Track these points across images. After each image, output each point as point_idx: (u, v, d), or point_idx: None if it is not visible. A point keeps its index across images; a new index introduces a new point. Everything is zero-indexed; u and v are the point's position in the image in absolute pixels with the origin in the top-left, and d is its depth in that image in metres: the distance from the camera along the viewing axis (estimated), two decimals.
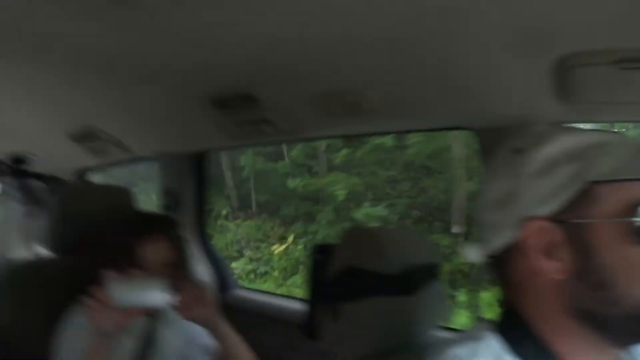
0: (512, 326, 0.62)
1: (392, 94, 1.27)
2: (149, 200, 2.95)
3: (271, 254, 7.02)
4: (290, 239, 6.95)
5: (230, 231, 7.71)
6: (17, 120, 2.19)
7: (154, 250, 1.41)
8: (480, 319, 0.69)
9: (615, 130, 3.08)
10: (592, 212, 0.56)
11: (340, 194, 6.12)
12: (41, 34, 1.34)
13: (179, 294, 1.36)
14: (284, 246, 6.88)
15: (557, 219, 0.57)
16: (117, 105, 1.91)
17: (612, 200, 0.56)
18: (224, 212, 7.78)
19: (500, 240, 0.61)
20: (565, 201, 0.57)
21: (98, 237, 1.48)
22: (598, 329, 0.57)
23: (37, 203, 2.90)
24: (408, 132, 1.55)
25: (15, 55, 1.53)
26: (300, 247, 6.77)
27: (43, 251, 2.87)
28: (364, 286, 0.89)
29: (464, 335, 0.65)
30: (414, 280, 0.91)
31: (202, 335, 1.53)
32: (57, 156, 2.41)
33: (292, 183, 7.15)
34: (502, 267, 0.63)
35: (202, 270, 2.15)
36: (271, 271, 6.81)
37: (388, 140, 6.00)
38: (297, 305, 1.98)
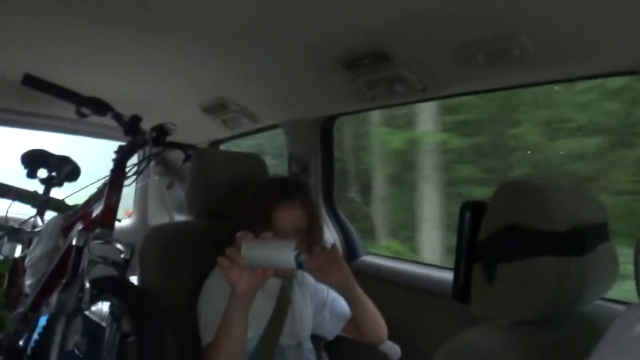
0: None
1: (550, 37, 1.12)
2: (277, 167, 3.01)
3: None
4: None
5: None
6: (155, 96, 2.35)
7: (288, 215, 1.42)
8: None
9: None
10: None
11: None
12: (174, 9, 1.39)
13: (314, 258, 1.37)
14: None
15: None
16: (247, 75, 1.94)
17: None
18: None
19: None
20: None
21: (235, 202, 1.53)
22: None
23: (175, 174, 3.11)
24: (568, 80, 1.36)
25: (152, 32, 1.60)
26: None
27: (181, 219, 3.09)
28: (525, 245, 0.80)
29: None
30: (584, 239, 0.80)
31: (335, 299, 1.54)
32: (192, 128, 2.55)
33: None
34: None
35: (330, 237, 2.16)
36: None
37: None
38: (426, 271, 1.92)
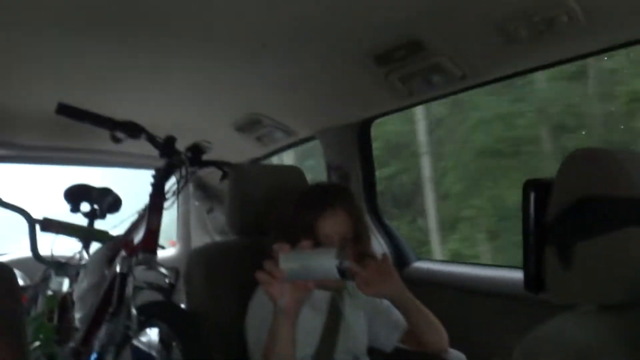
0: None
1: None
2: (315, 179, 2.98)
3: None
4: None
5: None
6: (187, 117, 2.35)
7: (332, 224, 1.35)
8: None
9: None
10: None
11: None
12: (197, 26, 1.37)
13: (363, 269, 1.29)
14: None
15: None
16: (277, 86, 1.92)
17: None
18: None
19: None
20: None
21: (277, 215, 1.48)
22: None
23: (215, 198, 3.11)
24: (624, 46, 1.24)
25: (179, 53, 1.60)
26: None
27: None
28: (603, 218, 0.70)
29: None
30: None
31: (389, 309, 1.45)
32: (226, 149, 2.54)
33: None
34: None
35: (378, 245, 2.08)
36: None
37: None
38: (483, 271, 1.82)
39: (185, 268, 1.51)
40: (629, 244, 0.68)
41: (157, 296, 1.55)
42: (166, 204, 1.68)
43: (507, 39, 1.21)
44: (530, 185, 0.85)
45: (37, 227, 2.02)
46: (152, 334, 1.82)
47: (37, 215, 2.06)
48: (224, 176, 1.88)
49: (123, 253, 1.71)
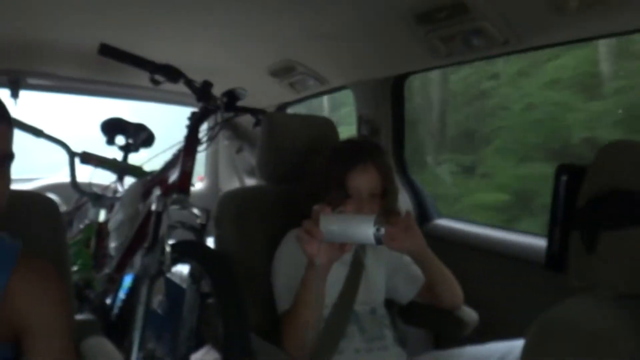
0: None
1: None
2: (346, 129, 2.98)
3: None
4: None
5: None
6: (224, 61, 2.35)
7: (363, 179, 1.38)
8: None
9: None
10: None
11: None
12: None
13: (388, 225, 1.33)
14: None
15: None
16: (314, 35, 1.89)
17: None
18: None
19: None
20: None
21: (307, 166, 1.51)
22: None
23: (244, 139, 3.15)
24: None
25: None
26: None
27: (251, 183, 3.15)
28: (634, 211, 0.72)
29: None
30: None
31: (409, 263, 1.50)
32: (259, 92, 2.55)
33: None
34: None
35: (403, 200, 2.11)
36: None
37: None
38: (503, 234, 1.85)
39: (215, 211, 1.56)
40: None
41: (188, 235, 1.62)
42: (200, 147, 1.73)
43: (556, 8, 1.18)
44: (563, 169, 0.86)
45: (77, 159, 2.10)
46: (184, 269, 1.93)
47: (75, 147, 2.13)
48: (257, 123, 1.91)
49: (158, 191, 1.79)
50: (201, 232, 1.61)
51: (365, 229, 1.10)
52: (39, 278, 0.94)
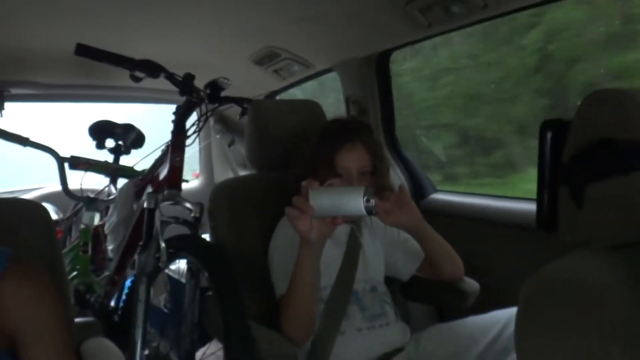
0: None
1: None
2: (333, 111, 2.97)
3: None
4: None
5: None
6: (206, 53, 2.33)
7: (351, 158, 1.38)
8: None
9: None
10: None
11: None
12: None
13: (382, 200, 1.32)
14: None
15: None
16: (294, 18, 1.88)
17: None
18: None
19: None
20: None
21: (298, 150, 1.50)
22: None
23: (235, 131, 3.14)
24: None
25: None
26: None
27: (244, 173, 3.13)
28: (618, 160, 0.71)
29: None
30: None
31: (407, 239, 1.50)
32: (245, 82, 2.53)
33: None
34: None
35: (396, 177, 2.10)
36: None
37: None
38: (499, 203, 1.84)
39: (208, 203, 1.55)
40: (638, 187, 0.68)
41: (184, 229, 1.61)
42: (188, 141, 1.72)
43: None
44: (547, 125, 0.85)
45: (66, 165, 2.08)
46: (182, 264, 1.92)
47: (64, 153, 2.12)
48: (243, 112, 1.89)
49: (149, 189, 1.78)
50: (195, 225, 1.60)
51: (355, 200, 1.09)
52: (30, 283, 0.93)
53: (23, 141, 2.02)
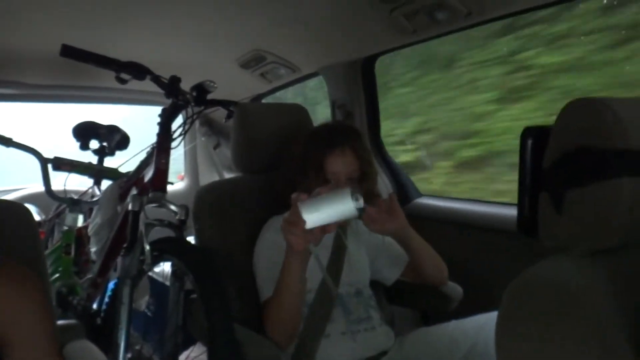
0: None
1: None
2: (319, 115, 2.98)
3: None
4: None
5: None
6: (192, 56, 2.32)
7: (340, 163, 1.38)
8: None
9: None
10: None
11: None
12: None
13: (369, 207, 1.32)
14: None
15: None
16: (281, 22, 1.88)
17: None
18: None
19: None
20: None
21: (282, 153, 1.50)
22: None
23: (221, 134, 3.13)
24: None
25: None
26: None
27: (229, 176, 3.13)
28: (597, 167, 0.73)
29: None
30: None
31: (391, 243, 1.50)
32: (232, 85, 2.52)
33: None
34: None
35: (382, 181, 2.11)
36: None
37: None
38: (483, 208, 1.86)
39: (193, 206, 1.55)
40: (621, 193, 0.69)
41: (168, 232, 1.61)
42: (174, 144, 1.71)
43: None
44: (529, 132, 0.86)
45: (49, 166, 2.06)
46: (166, 267, 1.91)
47: (48, 154, 2.09)
48: (229, 115, 1.89)
49: (134, 191, 1.77)
50: (180, 228, 1.60)
51: (345, 203, 1.08)
52: (18, 285, 0.92)
53: (6, 142, 1.99)
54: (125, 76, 1.59)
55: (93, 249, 2.02)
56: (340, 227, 1.45)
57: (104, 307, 2.01)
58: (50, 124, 3.62)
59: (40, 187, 2.15)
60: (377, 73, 2.10)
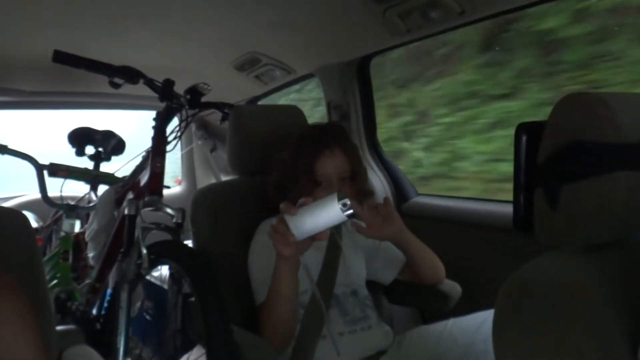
0: None
1: None
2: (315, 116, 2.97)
3: None
4: None
5: None
6: (186, 59, 2.32)
7: (331, 164, 1.38)
8: None
9: None
10: None
11: None
12: None
13: (364, 212, 1.32)
14: None
15: None
16: (275, 25, 1.88)
17: None
18: None
19: None
20: None
21: (277, 156, 1.50)
22: None
23: (217, 137, 3.13)
24: None
25: None
26: None
27: (226, 179, 3.12)
28: (591, 162, 0.73)
29: None
30: None
31: (387, 247, 1.50)
32: (227, 88, 2.52)
33: None
34: None
35: (378, 182, 2.11)
36: None
37: None
38: (480, 205, 1.86)
39: (190, 208, 1.55)
40: (615, 188, 0.69)
41: (165, 236, 1.61)
42: (169, 147, 1.71)
43: None
44: (523, 128, 0.86)
45: (45, 172, 2.06)
46: (164, 270, 1.91)
47: (43, 160, 2.09)
48: (224, 117, 1.89)
49: (130, 195, 1.77)
50: (177, 231, 1.59)
51: (332, 210, 1.07)
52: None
53: (1, 149, 1.99)
54: (118, 81, 1.59)
55: (91, 255, 2.02)
56: (335, 228, 1.45)
57: (103, 312, 2.00)
58: (46, 131, 3.62)
59: (37, 195, 2.15)
60: None
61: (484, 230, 1.76)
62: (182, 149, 3.33)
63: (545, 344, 0.65)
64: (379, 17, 1.57)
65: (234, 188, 1.64)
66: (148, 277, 1.90)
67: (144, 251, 1.50)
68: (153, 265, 1.57)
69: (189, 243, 1.61)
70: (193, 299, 1.43)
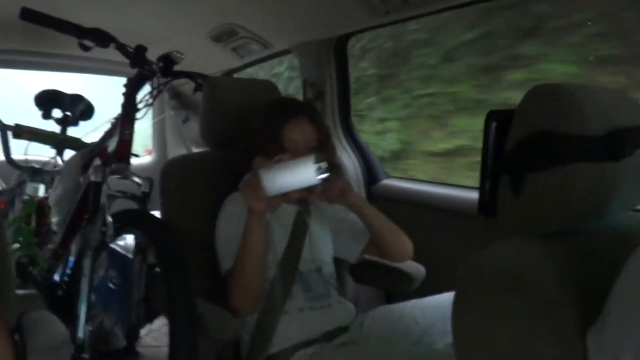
0: None
1: None
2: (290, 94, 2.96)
3: None
4: None
5: None
6: (161, 26, 2.26)
7: (298, 131, 1.40)
8: None
9: None
10: None
11: None
12: None
13: (331, 183, 1.33)
14: None
15: None
16: None
17: None
18: None
19: None
20: None
21: (246, 126, 1.49)
22: None
23: (190, 108, 3.08)
24: None
25: None
26: None
27: (197, 150, 3.09)
28: (556, 152, 0.74)
29: None
30: (620, 143, 0.74)
31: (354, 222, 1.51)
32: (203, 59, 2.48)
33: None
34: None
35: (350, 162, 2.12)
36: None
37: None
38: (448, 191, 1.89)
39: (159, 178, 1.53)
40: (577, 178, 0.71)
41: (133, 204, 1.59)
42: (139, 114, 1.68)
43: None
44: (492, 115, 0.87)
45: (9, 133, 2.00)
46: (129, 239, 1.89)
47: (8, 121, 2.03)
48: (197, 88, 1.86)
49: (97, 162, 1.73)
50: (144, 200, 1.57)
51: (307, 170, 1.08)
52: None
53: None
54: (88, 43, 1.54)
55: (54, 220, 1.98)
56: (302, 205, 1.46)
57: (65, 278, 1.97)
58: (12, 91, 3.50)
59: (0, 156, 2.09)
60: None
61: (451, 214, 1.80)
62: (153, 118, 3.26)
63: (500, 325, 0.67)
64: None
65: (204, 160, 1.62)
66: (113, 246, 1.88)
67: (109, 219, 1.48)
68: (118, 233, 1.56)
69: (155, 213, 1.60)
70: (158, 269, 1.43)
